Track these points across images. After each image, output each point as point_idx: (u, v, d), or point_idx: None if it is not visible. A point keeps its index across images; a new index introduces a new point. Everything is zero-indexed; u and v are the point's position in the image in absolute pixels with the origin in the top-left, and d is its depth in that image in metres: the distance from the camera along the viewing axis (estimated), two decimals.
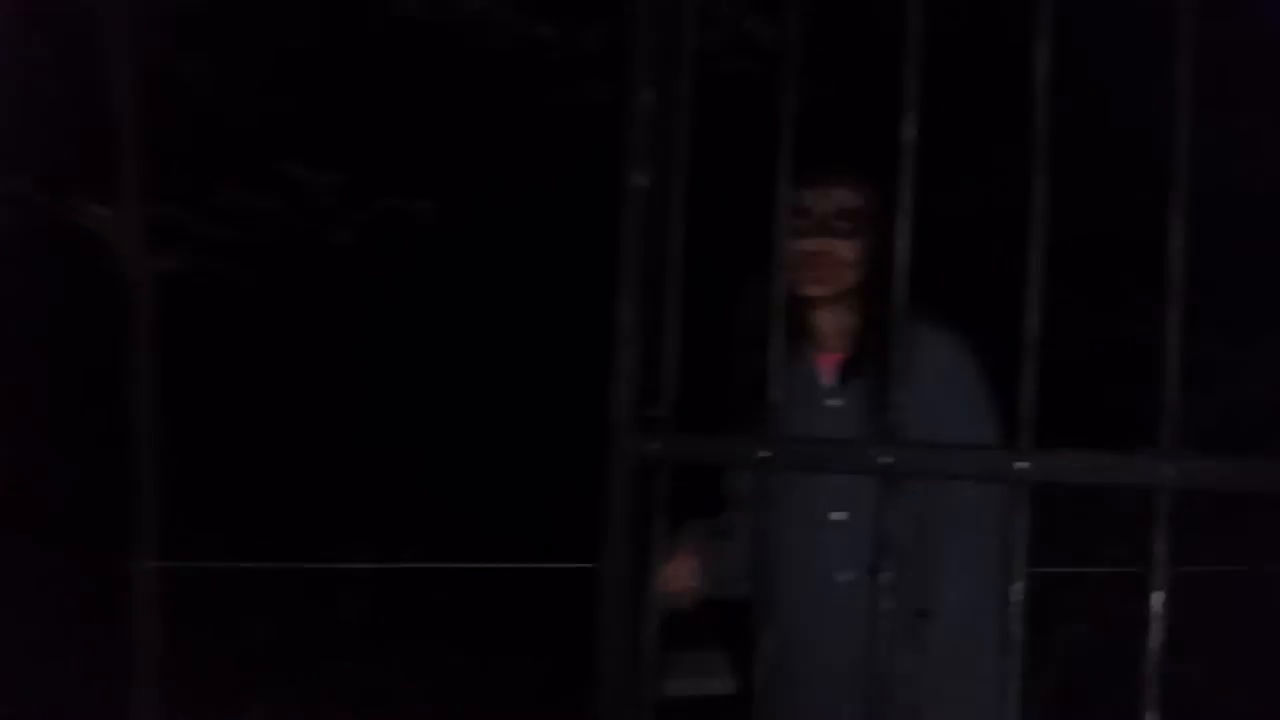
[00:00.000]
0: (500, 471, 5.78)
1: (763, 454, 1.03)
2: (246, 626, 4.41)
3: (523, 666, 4.55)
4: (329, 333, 5.81)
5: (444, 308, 5.87)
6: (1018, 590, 0.93)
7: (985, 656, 1.52)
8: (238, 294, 4.45)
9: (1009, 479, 0.92)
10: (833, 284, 1.68)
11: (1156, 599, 0.89)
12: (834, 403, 1.71)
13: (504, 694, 4.40)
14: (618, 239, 1.15)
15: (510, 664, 4.59)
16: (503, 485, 5.72)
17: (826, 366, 1.75)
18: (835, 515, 1.66)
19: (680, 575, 1.75)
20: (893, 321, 0.99)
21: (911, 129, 1.03)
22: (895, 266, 1.02)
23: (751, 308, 1.75)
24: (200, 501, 4.39)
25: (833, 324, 1.73)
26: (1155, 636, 0.89)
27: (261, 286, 4.39)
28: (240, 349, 5.35)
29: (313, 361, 5.76)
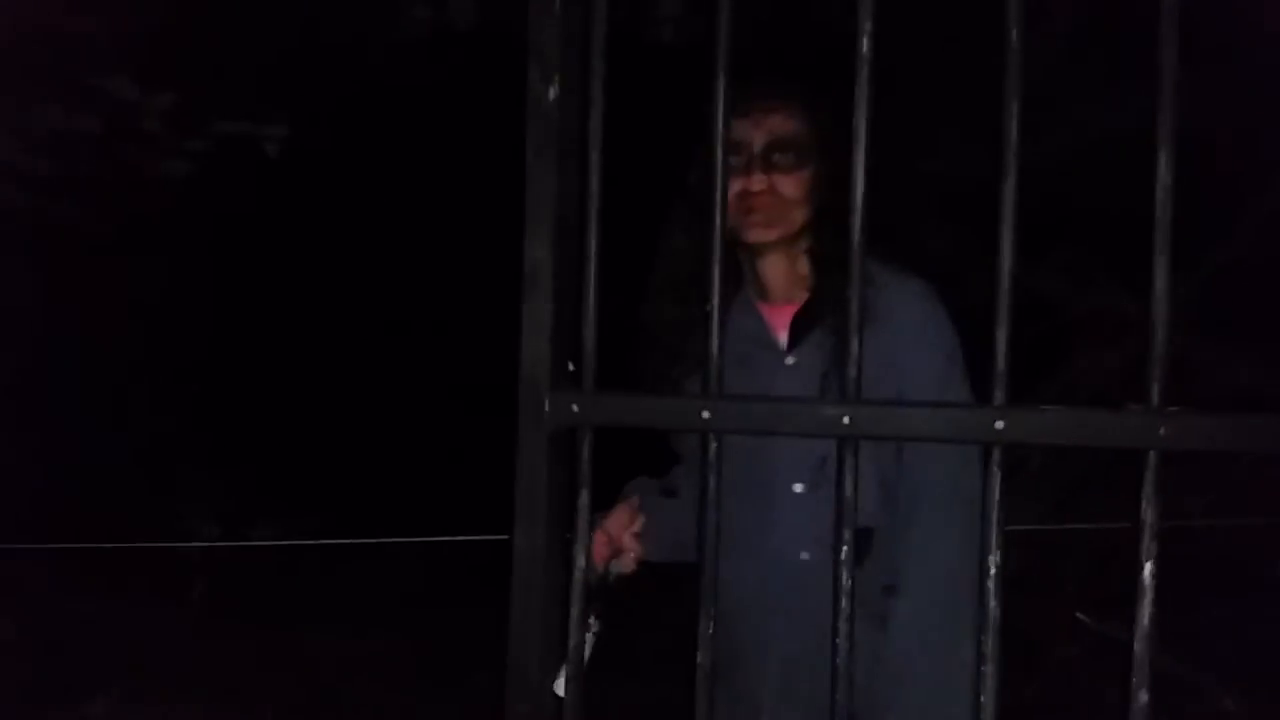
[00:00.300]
0: (375, 438, 5.59)
1: (705, 415, 0.96)
2: (83, 611, 4.17)
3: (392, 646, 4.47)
4: (164, 278, 5.47)
5: (298, 251, 5.59)
6: (994, 561, 0.88)
7: (958, 638, 1.47)
8: (54, 233, 4.13)
9: (985, 440, 0.87)
10: (779, 227, 1.57)
11: (1147, 570, 0.86)
12: (791, 360, 1.60)
13: (374, 676, 4.31)
14: (523, 166, 1.06)
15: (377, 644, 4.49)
16: (376, 453, 5.54)
17: (779, 320, 1.63)
18: (796, 487, 1.57)
19: (620, 533, 1.62)
20: (848, 263, 0.92)
21: (867, 42, 0.96)
22: (852, 200, 0.95)
23: (672, 255, 1.65)
24: (17, 478, 4.11)
25: (782, 272, 1.62)
26: (1145, 611, 0.86)
27: (83, 225, 4.08)
28: (57, 297, 4.98)
29: (144, 312, 5.43)
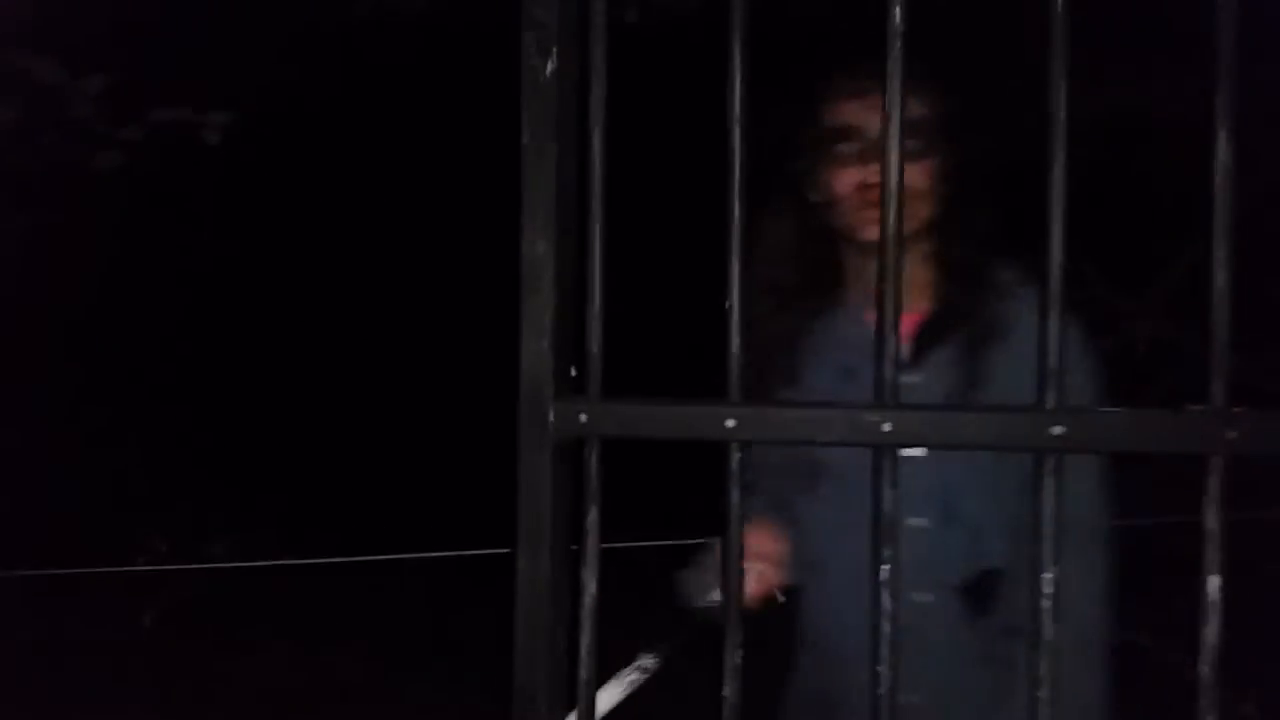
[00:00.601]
0: (340, 451, 5.54)
1: (728, 424, 0.94)
2: (31, 639, 4.13)
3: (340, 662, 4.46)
4: (95, 281, 5.39)
5: (248, 250, 5.51)
6: (1049, 582, 0.87)
7: (1096, 685, 1.46)
8: None
9: (1042, 447, 0.86)
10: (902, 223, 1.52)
11: (1212, 584, 0.85)
12: (911, 379, 1.51)
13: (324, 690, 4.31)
14: (508, 152, 1.03)
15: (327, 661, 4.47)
16: (347, 467, 5.49)
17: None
18: (914, 521, 1.49)
19: (763, 556, 1.50)
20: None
21: (899, 14, 0.95)
22: (885, 192, 0.94)
23: (767, 252, 1.57)
24: None
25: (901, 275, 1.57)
26: (1212, 629, 0.85)
27: (7, 222, 4.01)
28: None
29: (78, 320, 5.34)
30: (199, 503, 5.08)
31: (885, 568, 0.90)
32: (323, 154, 5.27)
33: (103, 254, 5.29)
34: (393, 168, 5.38)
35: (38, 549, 4.32)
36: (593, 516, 1.00)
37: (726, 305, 0.98)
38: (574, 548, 1.01)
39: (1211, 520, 0.86)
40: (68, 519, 4.79)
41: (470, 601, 4.55)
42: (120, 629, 4.44)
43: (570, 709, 1.01)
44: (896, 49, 0.93)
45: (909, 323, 1.55)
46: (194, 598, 4.56)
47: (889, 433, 0.88)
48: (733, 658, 0.96)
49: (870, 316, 1.57)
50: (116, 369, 5.49)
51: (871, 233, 1.49)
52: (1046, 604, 0.87)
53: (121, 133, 3.79)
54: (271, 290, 5.74)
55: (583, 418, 0.98)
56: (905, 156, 1.47)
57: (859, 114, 1.49)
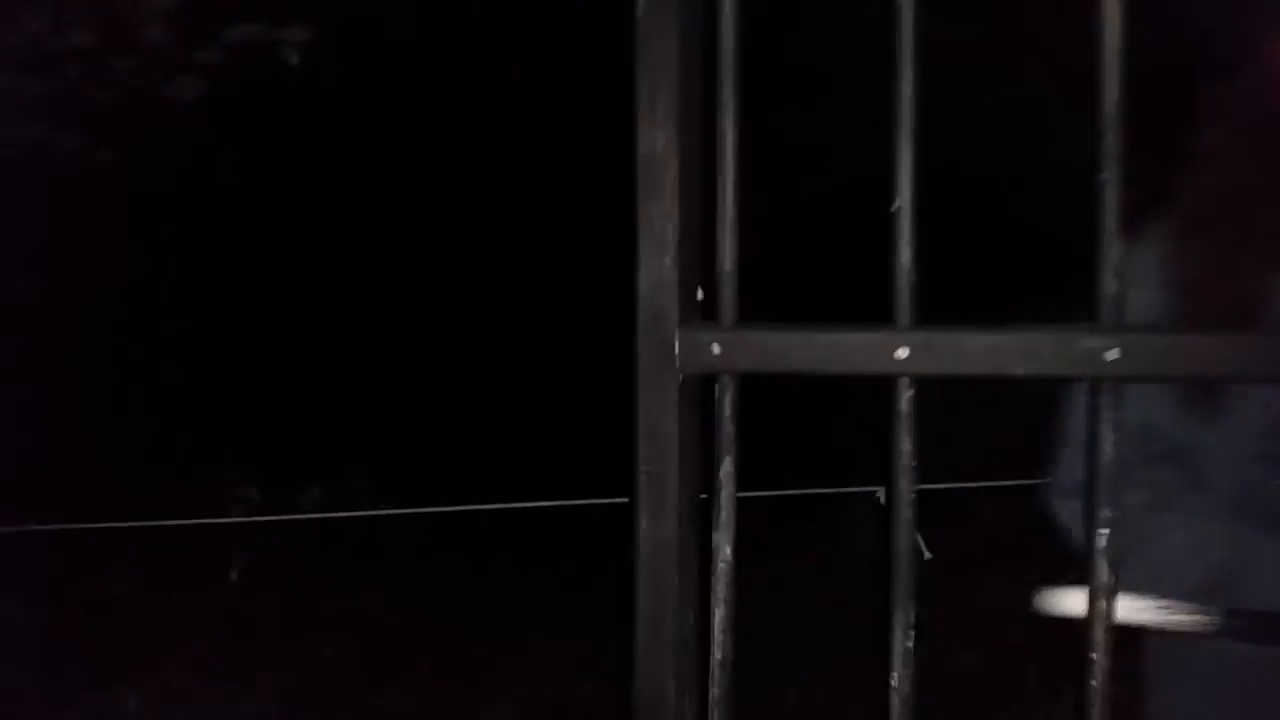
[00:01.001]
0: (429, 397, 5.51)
1: (899, 354, 0.80)
2: (119, 592, 4.22)
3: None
4: (176, 214, 5.39)
5: (336, 180, 5.40)
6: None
7: None
8: (51, 165, 4.07)
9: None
10: None
11: None
12: None
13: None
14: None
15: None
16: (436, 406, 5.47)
17: None
18: None
19: None
20: None
21: None
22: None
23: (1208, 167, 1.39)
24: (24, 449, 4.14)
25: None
26: None
27: (84, 157, 4.00)
28: (60, 238, 4.94)
29: (158, 251, 5.36)
30: (290, 451, 5.10)
31: (1103, 533, 0.75)
32: (409, 71, 5.15)
33: (188, 185, 5.28)
34: (497, 79, 5.20)
35: (127, 501, 4.39)
36: (727, 467, 0.88)
37: (894, 209, 0.84)
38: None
39: None
40: (156, 471, 4.86)
41: (574, 553, 4.51)
42: (209, 581, 4.50)
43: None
44: None
45: None
46: (282, 549, 4.60)
47: (1114, 361, 0.73)
48: (902, 641, 0.83)
49: None
50: (203, 314, 5.52)
51: None
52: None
53: (197, 55, 3.75)
54: (366, 223, 5.68)
55: (715, 349, 0.85)
56: None
57: None
